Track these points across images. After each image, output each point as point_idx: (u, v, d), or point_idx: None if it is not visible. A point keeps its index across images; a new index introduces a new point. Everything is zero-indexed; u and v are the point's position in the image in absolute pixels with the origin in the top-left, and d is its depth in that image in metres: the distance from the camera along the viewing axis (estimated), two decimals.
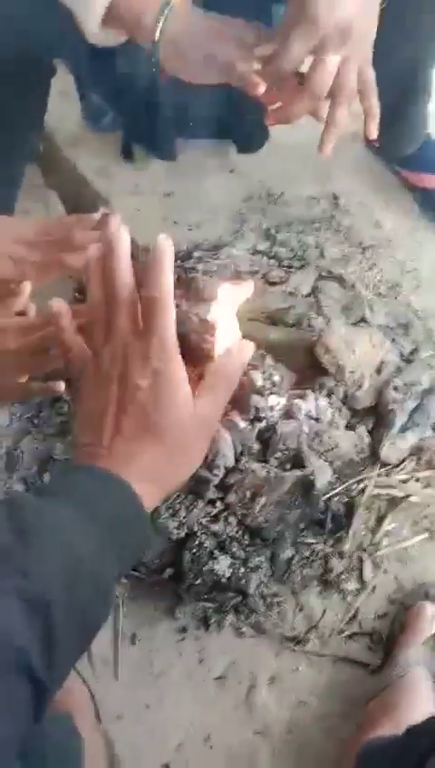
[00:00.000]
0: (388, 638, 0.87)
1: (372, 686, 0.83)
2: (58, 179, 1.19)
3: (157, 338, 0.51)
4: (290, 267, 1.12)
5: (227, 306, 0.77)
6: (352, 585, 0.91)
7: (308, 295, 1.06)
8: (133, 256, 0.59)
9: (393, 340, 1.03)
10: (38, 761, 0.53)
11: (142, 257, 0.83)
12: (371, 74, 0.73)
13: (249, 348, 0.58)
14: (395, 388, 0.94)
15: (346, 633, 0.88)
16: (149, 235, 1.17)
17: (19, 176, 1.03)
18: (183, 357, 0.53)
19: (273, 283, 1.09)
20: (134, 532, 0.48)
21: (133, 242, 0.82)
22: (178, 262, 1.15)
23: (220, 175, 1.27)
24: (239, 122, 1.18)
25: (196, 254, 1.15)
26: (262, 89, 0.70)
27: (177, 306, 0.56)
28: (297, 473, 0.87)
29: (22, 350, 0.62)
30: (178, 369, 0.52)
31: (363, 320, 1.04)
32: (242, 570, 0.87)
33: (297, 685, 0.86)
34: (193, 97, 1.10)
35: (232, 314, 0.75)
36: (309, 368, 0.96)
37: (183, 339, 0.60)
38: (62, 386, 0.68)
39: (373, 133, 0.77)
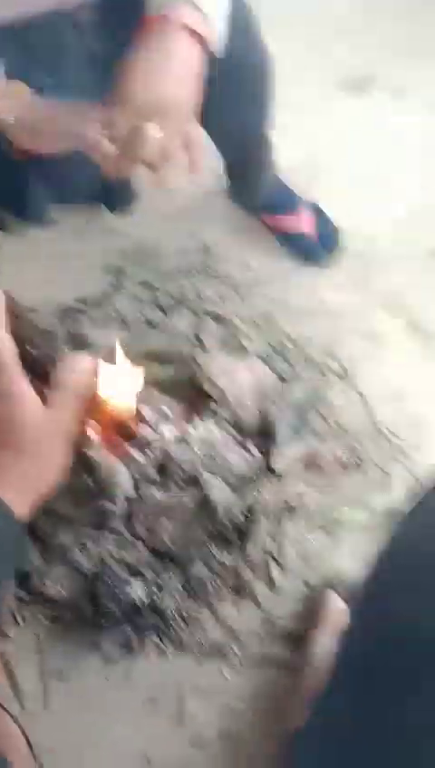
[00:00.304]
0: (303, 635, 0.94)
1: (293, 683, 0.89)
2: None
3: None
4: (171, 311, 1.22)
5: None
6: (262, 590, 0.97)
7: (190, 334, 1.15)
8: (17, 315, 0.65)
9: (272, 365, 1.14)
10: None
11: (25, 314, 0.91)
12: (195, 134, 0.83)
13: (85, 359, 0.63)
14: (275, 405, 1.03)
15: (262, 635, 0.95)
16: (34, 297, 1.26)
17: None
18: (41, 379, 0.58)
19: (156, 327, 1.18)
20: (5, 539, 0.53)
21: (18, 303, 0.90)
22: (66, 319, 1.23)
23: (97, 236, 1.37)
24: (106, 186, 1.28)
25: (81, 308, 1.23)
26: (112, 151, 0.80)
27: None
28: (195, 494, 0.94)
29: None
30: (15, 379, 0.55)
31: (242, 349, 1.15)
32: (156, 591, 0.93)
33: (224, 693, 0.91)
34: (62, 166, 1.20)
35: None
36: (196, 398, 1.05)
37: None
38: None
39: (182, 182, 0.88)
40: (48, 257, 1.34)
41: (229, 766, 0.86)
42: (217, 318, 1.20)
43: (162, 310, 1.22)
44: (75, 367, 0.60)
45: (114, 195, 1.33)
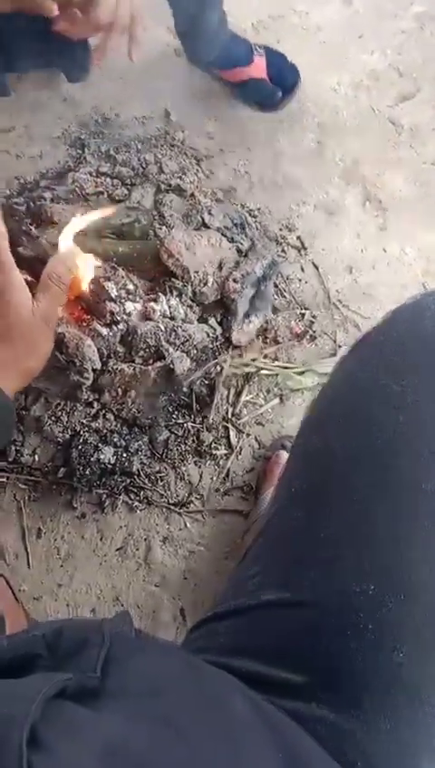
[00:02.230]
0: (256, 487, 1.04)
1: (246, 526, 1.00)
2: None
3: None
4: (132, 184, 1.21)
5: (68, 230, 0.86)
6: (221, 451, 1.06)
7: (151, 209, 1.16)
8: None
9: (232, 239, 1.15)
10: None
11: None
12: (138, 6, 0.83)
13: (74, 252, 0.69)
14: (234, 280, 1.06)
15: (222, 490, 1.04)
16: None
17: None
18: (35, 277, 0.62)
19: (118, 201, 1.18)
20: None
21: None
22: (27, 193, 1.21)
23: (55, 105, 1.32)
24: (63, 50, 1.22)
25: (42, 183, 1.22)
26: (55, 11, 0.78)
27: (27, 233, 0.66)
28: (159, 365, 0.99)
29: None
30: (13, 276, 0.62)
31: (204, 224, 1.16)
32: (125, 455, 1.00)
33: (187, 540, 1.02)
34: (14, 31, 1.14)
35: (69, 236, 0.84)
36: (159, 273, 1.07)
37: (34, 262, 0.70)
38: None
39: (134, 55, 0.92)
40: (7, 129, 1.30)
41: (189, 601, 0.98)
42: (179, 191, 1.20)
43: (124, 184, 1.21)
44: (63, 261, 0.66)
45: (71, 61, 1.27)
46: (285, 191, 1.26)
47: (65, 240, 0.84)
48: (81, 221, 0.90)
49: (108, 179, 1.22)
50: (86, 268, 0.87)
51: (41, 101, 1.33)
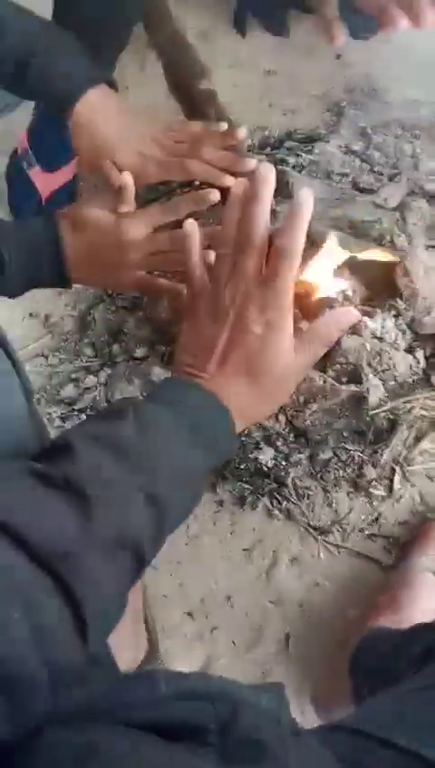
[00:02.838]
0: (404, 544, 0.96)
1: (381, 581, 0.93)
2: (159, 39, 1.14)
3: (276, 290, 0.56)
4: (381, 174, 1.10)
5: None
6: (379, 492, 0.98)
7: (395, 209, 1.05)
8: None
9: None
10: None
11: (230, 129, 0.84)
12: None
13: (353, 315, 0.62)
14: None
15: (367, 532, 0.97)
16: (243, 114, 1.16)
17: (126, 36, 1.00)
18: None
19: (361, 190, 1.08)
20: (226, 448, 0.56)
21: (232, 122, 0.83)
22: (269, 149, 1.13)
23: (327, 60, 1.21)
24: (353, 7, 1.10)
25: (287, 144, 1.13)
26: None
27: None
28: (353, 387, 0.92)
29: (148, 246, 0.67)
30: (288, 323, 0.57)
31: None
32: (283, 462, 0.95)
33: (315, 568, 0.96)
34: None
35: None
36: (382, 286, 0.98)
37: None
38: (183, 289, 0.71)
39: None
40: (269, 72, 1.20)
41: (297, 630, 0.94)
42: (430, 198, 1.08)
43: (372, 171, 1.10)
44: (337, 322, 0.62)
45: (360, 15, 1.14)
46: None
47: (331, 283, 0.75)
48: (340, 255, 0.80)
49: (357, 161, 1.11)
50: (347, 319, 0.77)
51: (313, 52, 1.22)
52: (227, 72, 1.18)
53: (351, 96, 1.19)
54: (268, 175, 0.58)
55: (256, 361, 0.57)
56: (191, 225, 0.62)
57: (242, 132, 0.73)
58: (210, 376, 0.57)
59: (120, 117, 0.77)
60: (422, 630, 0.75)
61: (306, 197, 0.56)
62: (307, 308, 0.68)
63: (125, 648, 0.78)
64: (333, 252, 0.78)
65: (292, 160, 1.08)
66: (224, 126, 0.76)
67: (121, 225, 0.69)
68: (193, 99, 0.96)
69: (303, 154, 1.09)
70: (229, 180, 0.77)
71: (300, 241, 0.56)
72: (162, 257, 0.71)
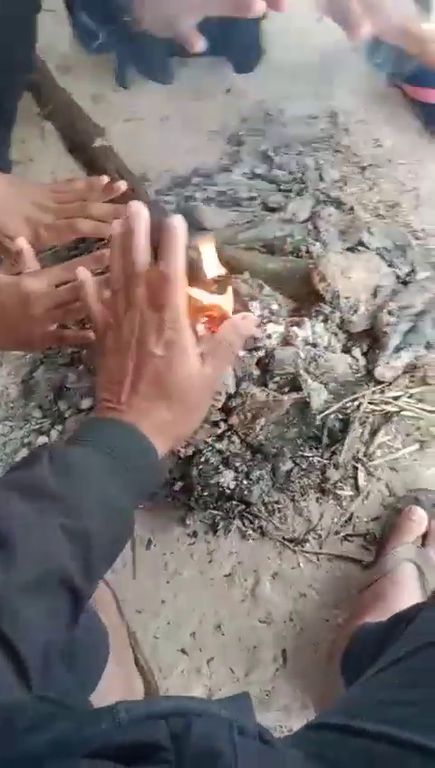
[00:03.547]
0: (380, 538, 0.97)
1: (365, 580, 0.93)
2: (52, 109, 1.20)
3: (169, 311, 0.58)
4: (289, 191, 1.14)
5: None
6: (347, 492, 0.99)
7: (306, 221, 1.09)
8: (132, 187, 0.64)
9: (391, 263, 1.07)
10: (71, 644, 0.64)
11: (139, 185, 0.88)
12: None
13: (252, 321, 0.65)
14: (389, 312, 0.98)
15: (342, 534, 0.98)
16: (147, 162, 1.20)
17: (13, 111, 1.05)
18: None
19: (271, 209, 1.12)
20: (150, 476, 0.58)
21: (130, 172, 0.86)
22: (177, 189, 1.17)
23: (217, 96, 1.27)
24: (234, 38, 1.16)
25: (194, 180, 1.17)
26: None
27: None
28: (294, 395, 0.93)
29: (49, 300, 0.70)
30: (188, 339, 0.59)
31: (361, 243, 1.08)
32: (245, 482, 0.96)
33: (297, 580, 0.96)
34: None
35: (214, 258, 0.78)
36: (306, 295, 1.01)
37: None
38: (92, 334, 0.74)
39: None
40: (164, 118, 1.26)
41: (292, 645, 0.94)
42: (338, 204, 1.12)
43: (280, 190, 1.14)
44: (238, 329, 0.64)
45: (240, 50, 1.21)
46: None
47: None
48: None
49: (263, 183, 1.16)
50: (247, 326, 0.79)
51: (203, 91, 1.28)
52: (124, 126, 1.24)
53: (247, 124, 1.24)
54: (140, 210, 0.61)
55: (165, 381, 0.59)
56: (83, 272, 0.66)
57: (123, 184, 0.78)
58: (127, 406, 0.59)
59: (1, 191, 0.81)
60: (403, 617, 0.75)
61: (176, 223, 0.60)
62: (212, 321, 0.71)
63: (116, 694, 0.78)
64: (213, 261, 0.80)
65: (199, 195, 1.12)
66: (105, 179, 0.80)
67: (22, 281, 0.72)
68: (90, 157, 1.00)
69: (209, 187, 1.13)
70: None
71: (179, 262, 0.59)
72: (65, 309, 0.74)
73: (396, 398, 1.01)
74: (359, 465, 1.00)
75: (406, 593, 0.88)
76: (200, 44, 0.88)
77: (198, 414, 0.63)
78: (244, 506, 0.98)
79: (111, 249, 0.63)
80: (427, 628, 0.60)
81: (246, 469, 0.96)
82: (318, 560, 0.97)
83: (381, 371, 1.00)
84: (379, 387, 1.02)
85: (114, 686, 0.79)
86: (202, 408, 0.63)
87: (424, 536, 0.93)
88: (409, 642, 0.53)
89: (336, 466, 0.99)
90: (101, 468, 0.53)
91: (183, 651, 0.94)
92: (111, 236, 0.63)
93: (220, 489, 0.96)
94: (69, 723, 0.47)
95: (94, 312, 0.64)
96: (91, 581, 0.49)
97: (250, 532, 0.98)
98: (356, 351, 1.01)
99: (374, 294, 1.00)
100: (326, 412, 0.97)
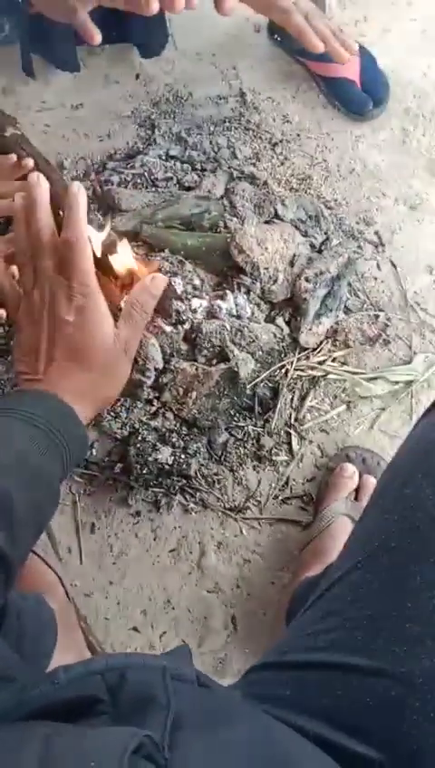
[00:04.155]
0: (316, 498, 1.00)
1: (305, 539, 0.96)
2: None
3: (77, 277, 0.59)
4: (203, 170, 1.16)
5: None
6: (282, 457, 1.02)
7: (222, 197, 1.11)
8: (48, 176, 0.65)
9: (305, 232, 1.10)
10: (16, 629, 0.64)
11: (56, 176, 0.88)
12: None
13: (160, 280, 0.66)
14: (307, 279, 1.01)
15: (280, 498, 1.00)
16: (61, 149, 1.20)
17: None
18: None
19: (187, 188, 1.13)
20: (73, 438, 0.58)
21: (46, 159, 0.87)
22: (93, 175, 1.18)
23: (127, 82, 1.27)
24: (139, 24, 1.17)
25: (109, 165, 1.18)
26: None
27: (93, 221, 0.64)
28: (223, 366, 0.96)
29: None
30: (99, 303, 0.60)
31: (276, 215, 1.10)
32: (183, 456, 0.98)
33: (242, 547, 0.99)
34: None
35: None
36: (227, 268, 1.03)
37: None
38: (3, 313, 0.75)
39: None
40: (75, 106, 1.26)
41: (241, 610, 0.96)
42: (252, 179, 1.14)
43: (194, 169, 1.16)
44: (148, 289, 0.64)
45: (146, 36, 1.22)
46: (364, 182, 1.19)
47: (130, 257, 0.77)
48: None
49: (178, 163, 1.17)
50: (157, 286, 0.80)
51: (112, 78, 1.28)
52: (36, 116, 1.23)
53: (159, 108, 1.25)
54: (39, 181, 0.62)
55: (80, 347, 0.60)
56: None
57: (30, 161, 0.78)
58: (44, 375, 0.60)
59: None
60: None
61: (76, 190, 0.61)
62: (124, 285, 0.72)
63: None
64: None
65: (115, 179, 1.12)
66: (13, 158, 0.80)
67: None
68: (2, 146, 0.99)
69: (125, 170, 1.14)
70: None
71: (82, 229, 0.60)
72: None
73: (321, 363, 1.04)
74: (291, 431, 1.03)
75: (342, 545, 0.91)
76: (97, 38, 0.89)
77: (120, 376, 0.64)
78: (184, 481, 0.99)
79: (15, 223, 0.63)
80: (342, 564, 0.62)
81: (182, 444, 0.98)
82: (260, 525, 1.00)
83: (304, 338, 1.03)
84: (304, 353, 1.05)
85: (64, 656, 0.79)
86: (122, 370, 0.64)
87: (357, 490, 0.96)
88: (326, 579, 0.56)
89: (270, 434, 1.02)
90: (21, 433, 0.53)
91: (135, 629, 0.95)
92: (14, 208, 0.63)
93: (159, 466, 0.97)
94: (7, 692, 0.48)
95: (3, 289, 0.64)
96: (16, 547, 0.49)
97: (192, 505, 1.00)
98: (280, 320, 1.04)
99: (292, 263, 1.03)
100: (255, 381, 0.99)
